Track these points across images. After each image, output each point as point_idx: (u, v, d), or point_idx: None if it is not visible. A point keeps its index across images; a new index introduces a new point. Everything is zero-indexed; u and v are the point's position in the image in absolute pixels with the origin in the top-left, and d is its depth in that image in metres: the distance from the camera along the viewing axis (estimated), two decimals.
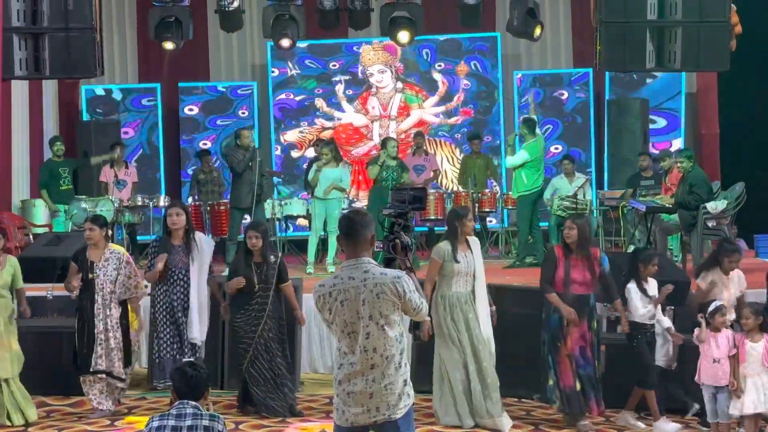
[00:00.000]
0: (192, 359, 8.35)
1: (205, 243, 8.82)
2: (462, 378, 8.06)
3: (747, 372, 7.66)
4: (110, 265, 8.49)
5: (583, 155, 15.11)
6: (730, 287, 8.38)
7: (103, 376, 8.50)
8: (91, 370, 8.45)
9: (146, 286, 8.86)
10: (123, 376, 8.59)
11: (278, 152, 15.50)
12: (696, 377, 7.94)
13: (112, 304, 8.50)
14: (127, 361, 8.63)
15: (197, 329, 8.65)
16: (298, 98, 15.50)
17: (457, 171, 15.09)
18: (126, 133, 15.22)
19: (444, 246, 8.14)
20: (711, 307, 7.97)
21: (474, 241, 8.33)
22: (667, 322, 8.37)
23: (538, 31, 11.71)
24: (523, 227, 12.77)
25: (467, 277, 8.16)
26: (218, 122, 15.45)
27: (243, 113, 15.44)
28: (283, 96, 15.50)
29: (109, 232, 8.91)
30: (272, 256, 8.57)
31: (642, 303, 8.23)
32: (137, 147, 15.38)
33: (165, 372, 8.56)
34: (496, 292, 8.95)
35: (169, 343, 8.67)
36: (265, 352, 8.45)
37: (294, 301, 8.74)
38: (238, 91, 15.47)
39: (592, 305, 8.15)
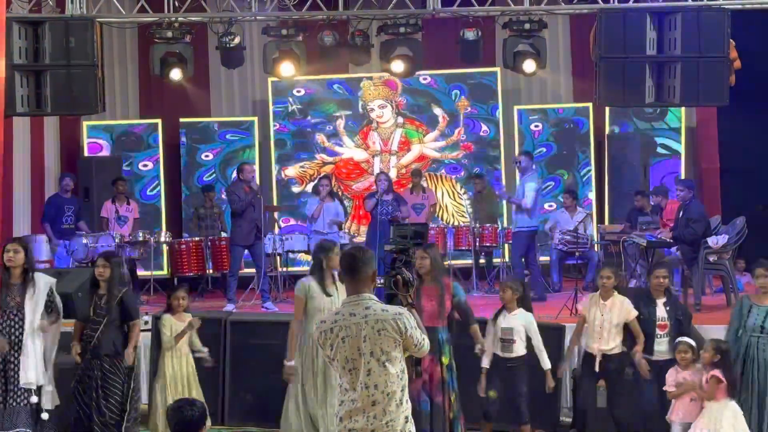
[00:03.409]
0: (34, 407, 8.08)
1: (42, 283, 8.22)
2: (302, 419, 7.79)
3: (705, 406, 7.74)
4: None
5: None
6: (606, 313, 8.32)
7: None
8: None
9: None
10: None
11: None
12: (668, 415, 7.96)
13: None
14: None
15: (32, 373, 8.06)
16: (299, 122, 15.50)
17: (458, 205, 15.16)
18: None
19: (306, 282, 7.90)
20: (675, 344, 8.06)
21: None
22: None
23: (531, 66, 11.72)
24: (517, 261, 12.78)
25: None
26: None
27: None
28: (285, 119, 15.52)
29: None
30: (115, 289, 8.21)
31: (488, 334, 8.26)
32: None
33: None
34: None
35: None
36: (88, 389, 8.15)
37: (133, 339, 8.22)
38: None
39: (440, 339, 7.83)
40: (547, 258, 13.89)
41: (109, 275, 8.18)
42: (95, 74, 10.63)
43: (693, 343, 7.96)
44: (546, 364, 8.21)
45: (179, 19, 11.30)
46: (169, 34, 11.41)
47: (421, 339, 5.14)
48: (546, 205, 14.79)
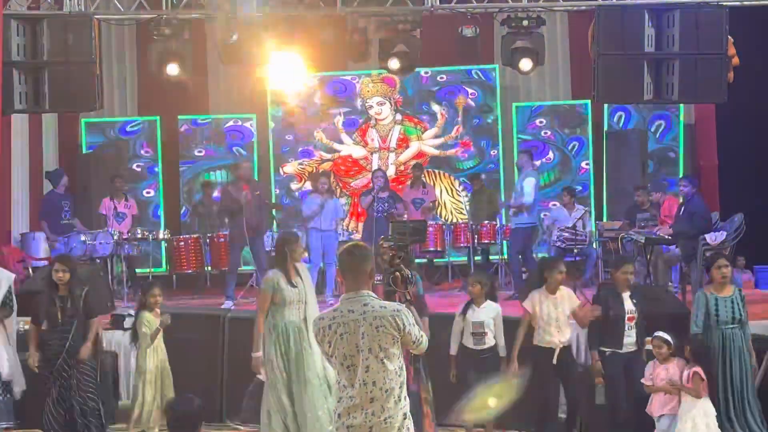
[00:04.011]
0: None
1: (4, 277, 8.46)
2: (284, 412, 7.76)
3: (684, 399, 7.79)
4: None
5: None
6: (559, 306, 8.38)
7: None
8: None
9: None
10: None
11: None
12: (648, 408, 7.97)
13: None
14: None
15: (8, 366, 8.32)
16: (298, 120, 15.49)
17: (456, 202, 15.14)
18: None
19: (273, 275, 7.91)
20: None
21: (302, 267, 8.12)
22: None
23: (529, 63, 11.70)
24: (514, 257, 12.79)
25: (299, 305, 7.89)
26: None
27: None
28: (282, 112, 15.51)
29: None
30: (78, 290, 8.23)
31: (456, 325, 8.46)
32: None
33: None
34: None
35: None
36: (66, 389, 8.12)
37: (91, 336, 8.26)
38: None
39: None
40: (546, 255, 13.87)
41: (68, 279, 8.17)
42: (93, 71, 10.61)
43: (667, 337, 8.02)
44: (502, 351, 8.46)
45: (177, 15, 11.29)
46: (168, 30, 11.40)
47: (420, 335, 5.13)
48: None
